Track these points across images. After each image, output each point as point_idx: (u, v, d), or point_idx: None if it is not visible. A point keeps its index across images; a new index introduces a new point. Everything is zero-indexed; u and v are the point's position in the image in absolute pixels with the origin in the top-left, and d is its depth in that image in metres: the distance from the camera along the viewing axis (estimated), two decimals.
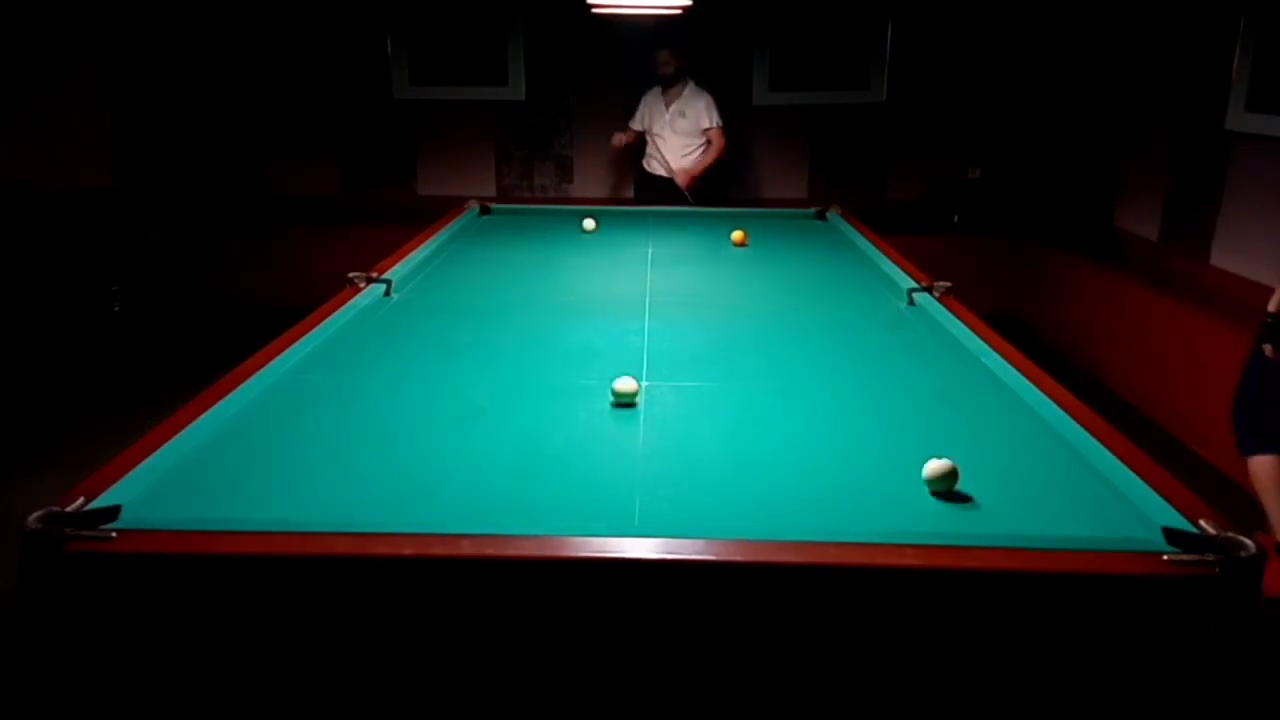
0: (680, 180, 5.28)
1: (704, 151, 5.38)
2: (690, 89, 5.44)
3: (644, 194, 5.54)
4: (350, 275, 3.22)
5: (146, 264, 5.60)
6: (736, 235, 4.22)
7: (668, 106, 5.44)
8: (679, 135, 5.41)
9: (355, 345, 2.71)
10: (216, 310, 5.81)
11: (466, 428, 2.12)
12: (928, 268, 3.51)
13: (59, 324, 5.09)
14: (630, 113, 5.67)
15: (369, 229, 5.43)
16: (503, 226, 4.64)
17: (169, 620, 1.56)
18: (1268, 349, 3.08)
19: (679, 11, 4.86)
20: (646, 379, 2.38)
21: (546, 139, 6.26)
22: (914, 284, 3.29)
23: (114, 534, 1.56)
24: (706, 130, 5.37)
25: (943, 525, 1.69)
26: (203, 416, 2.05)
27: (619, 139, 5.59)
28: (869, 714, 1.59)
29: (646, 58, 5.42)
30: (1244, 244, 4.36)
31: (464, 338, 2.84)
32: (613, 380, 2.24)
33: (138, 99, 5.79)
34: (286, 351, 2.50)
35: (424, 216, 4.58)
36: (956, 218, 6.08)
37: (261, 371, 2.34)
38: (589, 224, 4.48)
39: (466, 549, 1.54)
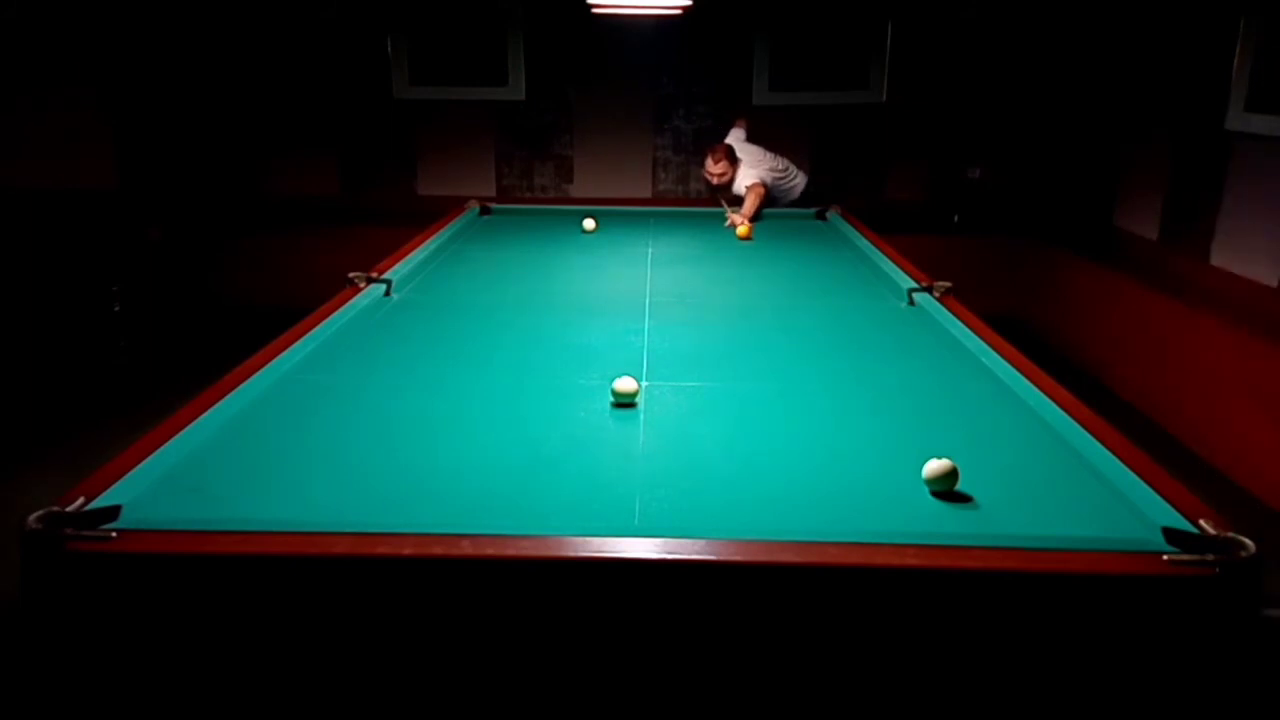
0: (741, 231, 4.51)
1: (748, 200, 4.74)
2: (737, 173, 4.84)
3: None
4: (350, 275, 3.22)
5: (147, 264, 5.59)
6: (741, 230, 4.38)
7: (729, 203, 4.85)
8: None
9: (355, 345, 2.71)
10: (216, 310, 5.81)
11: (466, 427, 2.12)
12: (928, 268, 3.51)
13: (59, 324, 5.09)
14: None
15: (369, 229, 5.43)
16: (503, 226, 4.64)
17: (169, 620, 1.56)
18: None
19: (679, 11, 4.86)
20: (646, 379, 2.38)
21: (546, 139, 6.27)
22: (914, 284, 3.29)
23: (114, 534, 1.57)
24: (750, 186, 4.79)
25: (943, 525, 1.69)
26: (203, 416, 2.05)
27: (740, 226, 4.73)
28: (869, 714, 1.59)
29: (645, 58, 5.33)
30: (1244, 244, 4.36)
31: (464, 338, 2.84)
32: (613, 380, 2.24)
33: (140, 98, 5.78)
34: (286, 351, 2.50)
35: (424, 216, 4.58)
36: (956, 218, 6.08)
37: (261, 371, 2.35)
38: (589, 224, 4.49)
39: (466, 549, 1.54)
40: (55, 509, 1.57)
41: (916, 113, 6.12)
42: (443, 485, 1.83)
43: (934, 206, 6.19)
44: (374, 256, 3.55)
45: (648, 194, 6.29)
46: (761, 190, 4.73)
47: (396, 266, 3.49)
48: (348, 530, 1.59)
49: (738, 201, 4.76)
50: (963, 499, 1.77)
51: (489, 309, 3.18)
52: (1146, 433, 4.28)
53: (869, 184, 6.25)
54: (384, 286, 3.23)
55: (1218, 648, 1.51)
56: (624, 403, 2.22)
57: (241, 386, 2.24)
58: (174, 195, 5.93)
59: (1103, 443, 1.98)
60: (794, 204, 5.14)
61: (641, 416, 2.18)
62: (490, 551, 1.54)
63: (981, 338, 2.70)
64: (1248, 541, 1.51)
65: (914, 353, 2.73)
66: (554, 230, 4.49)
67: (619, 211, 4.98)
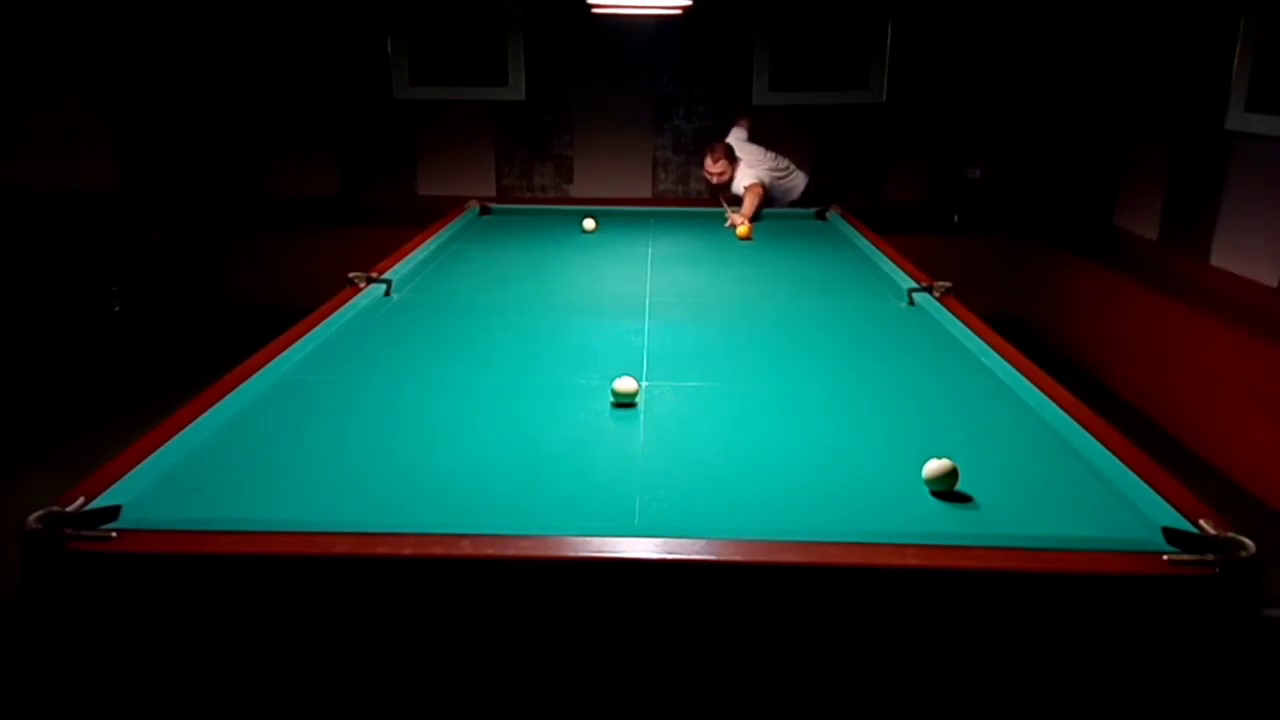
0: (741, 231, 4.49)
1: (747, 200, 4.71)
2: (736, 172, 4.84)
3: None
4: (350, 275, 3.22)
5: (147, 264, 5.59)
6: (741, 230, 4.39)
7: (729, 203, 4.86)
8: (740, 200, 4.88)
9: (355, 345, 2.71)
10: (216, 310, 5.81)
11: (467, 427, 2.12)
12: (928, 268, 3.51)
13: (59, 324, 5.09)
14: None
15: (369, 229, 5.43)
16: (503, 226, 4.64)
17: (169, 620, 1.56)
18: None
19: (679, 11, 4.86)
20: (646, 379, 2.38)
21: (546, 139, 6.27)
22: (914, 284, 3.29)
23: (114, 534, 1.57)
24: (749, 186, 4.77)
25: (943, 525, 1.69)
26: (203, 416, 2.05)
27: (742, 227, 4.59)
28: (869, 714, 1.59)
29: (645, 58, 5.32)
30: (1244, 244, 4.36)
31: (464, 338, 2.84)
32: (613, 380, 2.24)
33: (140, 98, 5.78)
34: (286, 351, 2.50)
35: (424, 216, 4.58)
36: (956, 218, 6.08)
37: (261, 371, 2.35)
38: (589, 224, 4.49)
39: (466, 549, 1.54)
40: (55, 509, 1.57)
41: (916, 113, 6.12)
42: (443, 485, 1.83)
43: (934, 206, 6.19)
44: (374, 256, 3.55)
45: (648, 194, 6.29)
46: (760, 190, 4.73)
47: (396, 266, 3.49)
48: (348, 530, 1.59)
49: (738, 201, 4.77)
50: (963, 499, 1.77)
51: (489, 309, 3.18)
52: (1146, 433, 4.28)
53: (869, 184, 6.25)
54: (384, 286, 3.23)
55: (1218, 648, 1.51)
56: (624, 403, 2.22)
57: (241, 386, 2.24)
58: (174, 195, 5.93)
59: (1103, 443, 1.98)
60: (794, 204, 5.14)
61: (641, 416, 2.18)
62: (490, 551, 1.54)
63: (981, 338, 2.70)
64: (1248, 541, 1.51)
65: (914, 353, 2.73)
66: (554, 230, 4.49)
67: (619, 211, 4.98)
